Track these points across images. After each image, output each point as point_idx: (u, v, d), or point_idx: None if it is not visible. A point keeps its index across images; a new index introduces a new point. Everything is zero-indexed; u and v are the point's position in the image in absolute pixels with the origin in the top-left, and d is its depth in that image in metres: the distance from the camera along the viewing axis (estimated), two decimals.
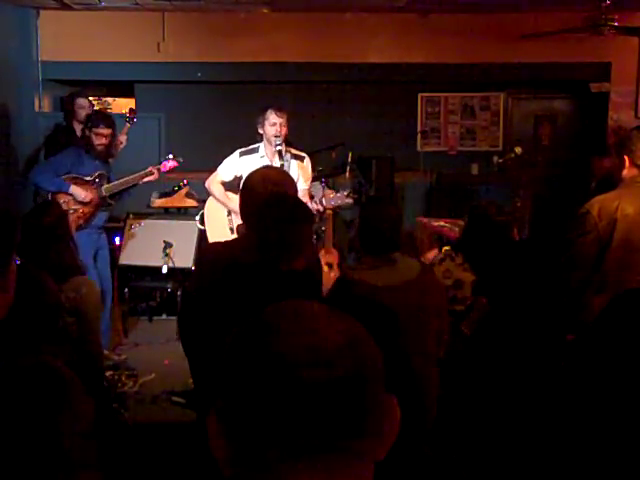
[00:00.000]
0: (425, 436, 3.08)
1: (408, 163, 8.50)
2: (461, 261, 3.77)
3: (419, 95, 9.06)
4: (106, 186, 5.68)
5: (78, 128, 6.63)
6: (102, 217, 5.83)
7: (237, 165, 5.27)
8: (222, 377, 0.99)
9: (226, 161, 5.33)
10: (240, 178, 5.27)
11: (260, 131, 5.26)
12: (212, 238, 5.42)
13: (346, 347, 0.95)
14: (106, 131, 5.61)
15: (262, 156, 5.25)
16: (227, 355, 1.00)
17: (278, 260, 2.43)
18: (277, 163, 5.10)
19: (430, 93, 9.06)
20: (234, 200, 5.22)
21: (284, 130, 5.19)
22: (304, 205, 2.75)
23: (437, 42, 8.19)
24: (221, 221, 5.39)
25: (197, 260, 5.76)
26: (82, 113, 6.67)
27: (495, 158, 8.70)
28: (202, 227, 5.75)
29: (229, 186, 5.38)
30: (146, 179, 5.85)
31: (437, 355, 3.19)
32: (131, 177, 5.76)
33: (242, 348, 0.98)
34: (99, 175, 5.69)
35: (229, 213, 5.36)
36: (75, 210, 5.54)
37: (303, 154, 5.41)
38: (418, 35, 8.21)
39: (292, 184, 2.99)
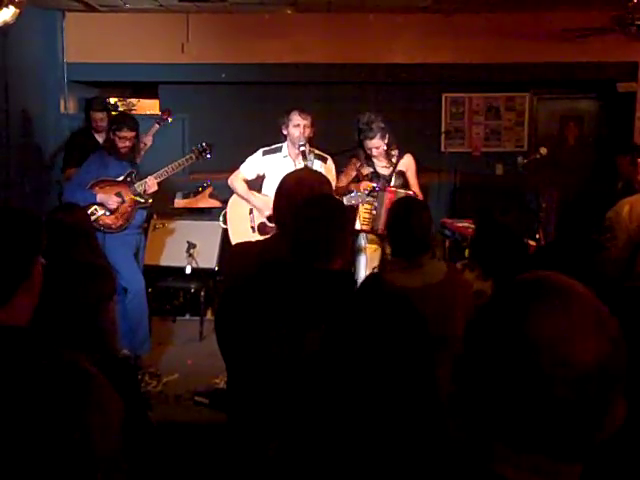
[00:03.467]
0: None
1: (432, 164, 8.45)
2: (479, 272, 3.72)
3: (443, 95, 9.01)
4: (138, 183, 5.66)
5: (98, 136, 6.70)
6: (141, 216, 5.81)
7: (260, 164, 5.28)
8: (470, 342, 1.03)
9: (249, 159, 5.34)
10: (262, 177, 5.28)
11: (284, 132, 5.27)
12: (233, 237, 5.42)
13: (598, 373, 0.95)
14: (129, 134, 5.58)
15: (285, 156, 5.25)
16: (479, 327, 1.03)
17: (314, 260, 2.42)
18: (300, 163, 5.10)
19: (454, 93, 9.01)
20: (258, 197, 5.24)
21: (308, 132, 5.20)
22: (343, 206, 2.74)
23: (461, 42, 8.14)
24: (243, 220, 5.39)
25: (228, 260, 5.78)
26: (100, 125, 6.74)
27: (520, 159, 8.61)
28: (225, 226, 5.75)
29: (251, 185, 5.39)
30: (179, 168, 5.81)
31: None
32: (161, 172, 5.71)
33: (496, 323, 1.00)
34: (130, 174, 5.67)
35: (250, 211, 5.36)
36: (113, 211, 5.56)
37: (326, 155, 5.40)
38: (442, 35, 8.17)
39: (328, 186, 2.98)
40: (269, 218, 5.16)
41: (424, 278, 3.12)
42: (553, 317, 0.96)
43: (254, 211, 5.32)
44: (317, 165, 5.18)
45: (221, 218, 6.07)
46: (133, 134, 5.63)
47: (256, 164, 5.30)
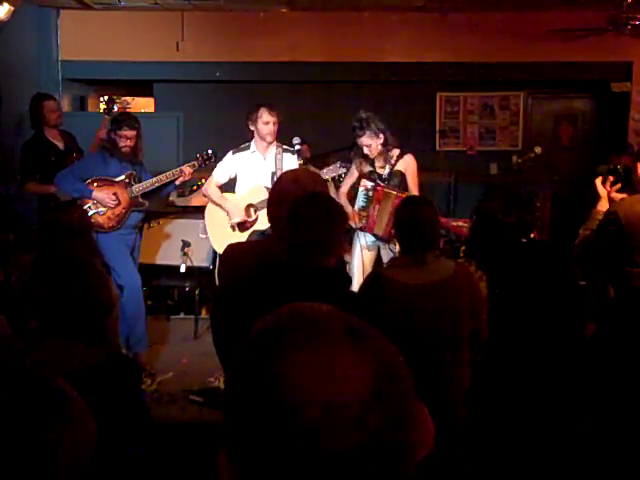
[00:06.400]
0: (455, 440, 3.03)
1: (427, 163, 8.45)
2: (474, 269, 3.75)
3: (438, 95, 9.03)
4: (136, 186, 5.54)
5: (50, 133, 6.17)
6: (136, 217, 5.68)
7: (231, 163, 5.39)
8: (227, 416, 0.84)
9: (219, 164, 5.43)
10: (234, 179, 5.37)
11: (251, 127, 5.31)
12: (215, 242, 5.49)
13: (373, 398, 0.79)
14: (130, 133, 5.45)
15: (253, 152, 5.35)
16: (229, 392, 0.85)
17: (307, 258, 2.42)
18: (272, 159, 5.24)
19: (449, 92, 9.03)
20: (229, 201, 5.30)
21: (275, 128, 5.25)
22: (336, 204, 2.74)
23: (456, 41, 8.15)
24: (222, 223, 5.43)
25: (222, 262, 5.76)
26: (53, 117, 6.17)
27: (514, 158, 8.64)
28: (205, 236, 5.76)
29: (225, 188, 5.45)
30: (180, 179, 5.64)
31: (470, 356, 3.16)
32: (162, 176, 5.60)
33: (244, 386, 0.83)
34: (129, 175, 5.56)
35: (227, 212, 5.42)
36: (105, 211, 5.49)
37: (292, 148, 5.44)
38: (437, 34, 8.18)
39: (323, 187, 2.98)
40: (239, 224, 5.29)
41: (427, 275, 3.13)
42: (298, 369, 0.79)
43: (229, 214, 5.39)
44: (292, 159, 5.25)
45: (201, 226, 6.04)
46: (134, 133, 5.48)
47: (227, 165, 5.40)
